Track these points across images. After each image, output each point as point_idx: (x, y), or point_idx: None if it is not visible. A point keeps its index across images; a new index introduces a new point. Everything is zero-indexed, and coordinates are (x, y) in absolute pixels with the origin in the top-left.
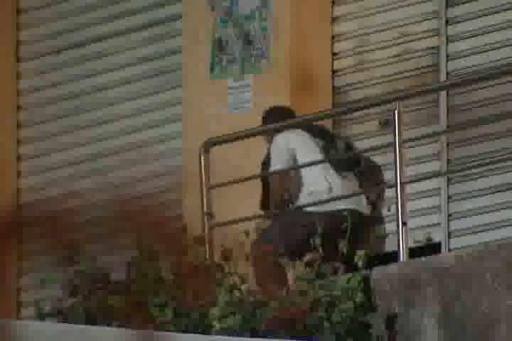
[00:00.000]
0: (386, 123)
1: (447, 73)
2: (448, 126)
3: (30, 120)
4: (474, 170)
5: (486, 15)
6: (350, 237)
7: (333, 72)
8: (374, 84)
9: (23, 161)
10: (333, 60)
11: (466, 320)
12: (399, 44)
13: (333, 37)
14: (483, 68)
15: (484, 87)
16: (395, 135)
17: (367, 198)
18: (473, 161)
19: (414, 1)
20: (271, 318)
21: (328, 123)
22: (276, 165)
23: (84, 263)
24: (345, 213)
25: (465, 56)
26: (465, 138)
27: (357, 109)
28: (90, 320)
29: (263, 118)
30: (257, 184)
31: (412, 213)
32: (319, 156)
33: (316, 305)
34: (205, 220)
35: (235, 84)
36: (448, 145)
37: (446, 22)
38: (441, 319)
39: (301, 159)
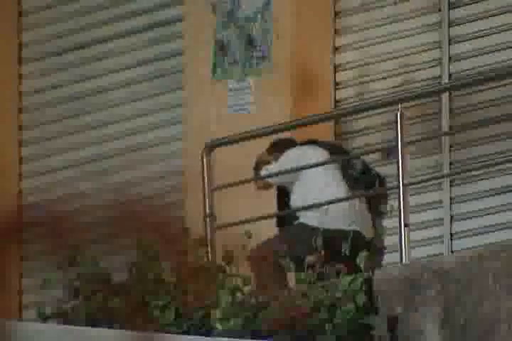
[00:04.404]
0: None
1: (450, 75)
2: (450, 128)
3: (32, 122)
4: (476, 172)
5: (488, 17)
6: (348, 257)
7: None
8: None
9: (25, 163)
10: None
11: (467, 321)
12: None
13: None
14: (485, 70)
15: (486, 89)
16: (398, 137)
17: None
18: (477, 163)
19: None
20: (272, 320)
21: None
22: (271, 171)
23: (86, 265)
24: (349, 233)
25: (467, 58)
26: (467, 140)
27: (359, 111)
28: (91, 322)
29: (271, 147)
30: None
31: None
32: (336, 173)
33: (317, 306)
34: (207, 222)
35: (235, 86)
36: (450, 147)
37: (449, 24)
38: (443, 320)
39: (316, 175)
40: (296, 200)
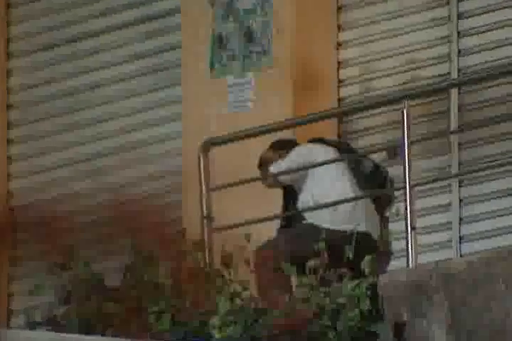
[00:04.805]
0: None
1: (458, 70)
2: (459, 126)
3: (21, 119)
4: (486, 173)
5: (499, 9)
6: (356, 258)
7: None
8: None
9: (14, 162)
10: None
11: (475, 327)
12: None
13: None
14: (496, 65)
15: (497, 85)
16: (404, 135)
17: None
18: (487, 163)
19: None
20: (273, 327)
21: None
22: (281, 166)
23: (79, 269)
24: (359, 235)
25: (477, 52)
26: (477, 139)
27: (364, 108)
28: (84, 329)
29: (271, 147)
30: (258, 185)
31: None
32: (346, 171)
33: (320, 313)
34: (205, 224)
35: (235, 82)
36: (459, 146)
37: (457, 17)
38: (450, 326)
39: (325, 171)
40: (305, 197)
